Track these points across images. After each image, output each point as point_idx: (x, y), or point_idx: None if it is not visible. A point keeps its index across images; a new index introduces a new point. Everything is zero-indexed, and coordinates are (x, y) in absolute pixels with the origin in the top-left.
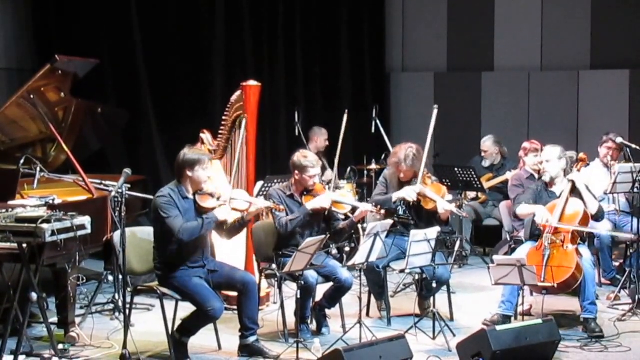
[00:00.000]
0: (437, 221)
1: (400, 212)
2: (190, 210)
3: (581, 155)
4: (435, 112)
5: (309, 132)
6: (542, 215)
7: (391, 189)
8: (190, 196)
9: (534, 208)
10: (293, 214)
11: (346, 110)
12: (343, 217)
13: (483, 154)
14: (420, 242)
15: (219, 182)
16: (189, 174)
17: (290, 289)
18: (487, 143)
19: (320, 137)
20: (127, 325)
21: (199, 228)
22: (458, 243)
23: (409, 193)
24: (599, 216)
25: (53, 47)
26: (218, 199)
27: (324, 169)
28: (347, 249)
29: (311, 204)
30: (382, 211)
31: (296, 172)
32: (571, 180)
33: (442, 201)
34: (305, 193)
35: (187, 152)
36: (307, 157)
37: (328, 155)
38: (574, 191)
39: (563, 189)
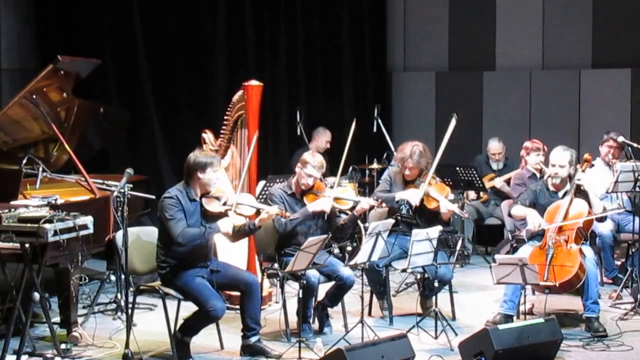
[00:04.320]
0: (439, 221)
1: (404, 211)
2: (195, 212)
3: (586, 155)
4: (453, 121)
5: (313, 132)
6: (533, 221)
7: (394, 187)
8: (197, 199)
9: (526, 212)
10: (293, 214)
11: (354, 119)
12: (344, 214)
13: (497, 157)
14: (422, 242)
15: (222, 181)
16: (200, 175)
17: (292, 289)
18: (500, 144)
19: (322, 138)
20: (129, 325)
21: (199, 236)
22: (460, 242)
23: (413, 197)
24: (603, 217)
25: (55, 47)
26: (224, 203)
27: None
28: (349, 248)
29: (312, 206)
30: (384, 205)
31: (299, 164)
32: (577, 179)
33: (445, 201)
34: (306, 192)
35: (199, 155)
36: (315, 157)
37: (330, 158)
38: (579, 192)
39: (567, 189)
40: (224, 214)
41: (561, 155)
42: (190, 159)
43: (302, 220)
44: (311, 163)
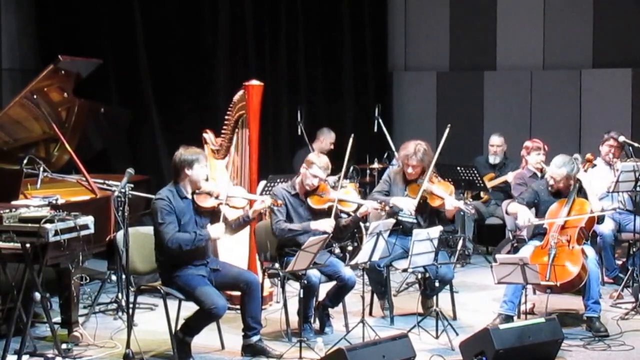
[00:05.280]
0: (441, 219)
1: (406, 219)
2: (188, 210)
3: (588, 155)
4: (447, 131)
5: (318, 131)
6: (523, 217)
7: (394, 187)
8: (189, 196)
9: (518, 209)
10: (295, 225)
11: (352, 135)
12: (347, 215)
13: (494, 149)
14: (423, 241)
15: (222, 181)
16: (188, 172)
17: (293, 288)
18: (500, 138)
19: (326, 139)
20: (130, 324)
21: (189, 242)
22: (461, 242)
23: (408, 207)
24: (600, 218)
25: (56, 47)
26: (216, 197)
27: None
28: (349, 248)
29: (315, 224)
30: (387, 208)
31: (304, 165)
32: (578, 180)
33: (450, 198)
34: (310, 192)
35: (184, 152)
36: (320, 158)
37: (332, 158)
38: (581, 191)
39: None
40: (216, 209)
41: (558, 172)
42: (176, 157)
43: (302, 234)
44: (317, 164)
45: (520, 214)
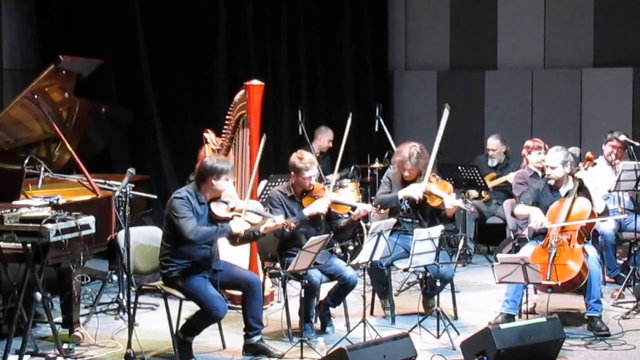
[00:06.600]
0: (442, 218)
1: (404, 208)
2: (204, 216)
3: (588, 154)
4: (446, 111)
5: (315, 130)
6: (536, 219)
7: (395, 188)
8: (206, 202)
9: (530, 210)
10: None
11: (350, 113)
12: (347, 215)
13: (491, 153)
14: (424, 241)
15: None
16: (213, 181)
17: (295, 288)
18: (496, 141)
19: (324, 137)
20: (131, 324)
21: (212, 233)
22: (462, 241)
23: (416, 191)
24: (605, 215)
25: (57, 47)
26: (232, 209)
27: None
28: (350, 247)
29: (308, 210)
30: (382, 211)
31: (292, 173)
32: (579, 178)
33: (449, 197)
34: (305, 194)
35: (215, 160)
36: (303, 159)
37: (331, 155)
38: (581, 190)
39: (569, 188)
40: (230, 219)
41: (552, 157)
42: (207, 162)
43: (300, 225)
44: (303, 167)
45: (533, 216)
